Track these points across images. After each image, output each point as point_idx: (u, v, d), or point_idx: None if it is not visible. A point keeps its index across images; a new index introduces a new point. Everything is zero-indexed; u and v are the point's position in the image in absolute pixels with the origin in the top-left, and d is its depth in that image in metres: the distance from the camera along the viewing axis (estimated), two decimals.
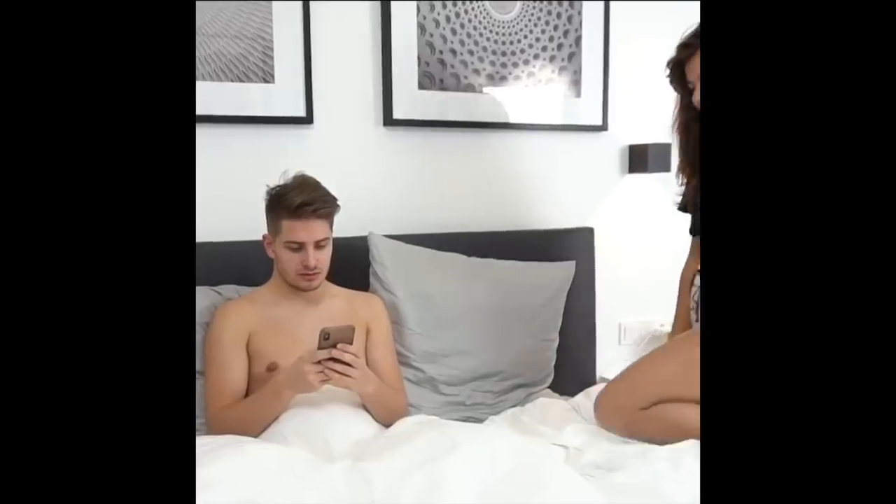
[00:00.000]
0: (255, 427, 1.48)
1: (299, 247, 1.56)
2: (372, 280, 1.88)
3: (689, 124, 1.65)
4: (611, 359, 2.35)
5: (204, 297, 1.70)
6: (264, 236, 1.64)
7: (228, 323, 1.60)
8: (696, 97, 1.58)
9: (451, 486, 1.17)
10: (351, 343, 1.42)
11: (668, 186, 2.48)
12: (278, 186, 1.60)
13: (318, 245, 1.58)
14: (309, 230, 1.55)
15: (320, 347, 1.39)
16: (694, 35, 1.57)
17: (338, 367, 1.41)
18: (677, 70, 1.61)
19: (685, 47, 1.58)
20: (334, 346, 1.40)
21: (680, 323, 1.87)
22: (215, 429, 1.51)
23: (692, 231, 1.78)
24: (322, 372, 1.40)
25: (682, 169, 1.71)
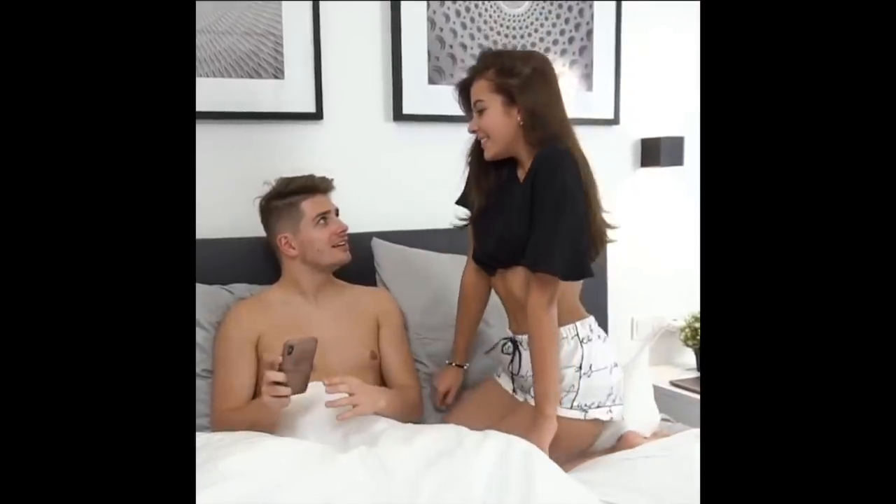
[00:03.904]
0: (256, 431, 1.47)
1: (326, 219, 1.65)
2: (378, 285, 1.89)
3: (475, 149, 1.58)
4: (623, 354, 2.34)
5: (216, 296, 1.70)
6: (280, 238, 1.65)
7: (238, 325, 1.60)
8: (473, 123, 1.52)
9: (470, 478, 1.19)
10: (313, 355, 1.36)
11: (680, 180, 2.47)
12: (273, 190, 1.67)
13: (336, 213, 1.70)
14: (328, 200, 1.69)
15: (283, 361, 1.32)
16: (481, 59, 1.52)
17: (342, 401, 1.38)
18: (464, 93, 1.55)
19: (472, 70, 1.52)
20: (300, 358, 1.33)
21: (459, 352, 1.73)
22: (219, 430, 1.50)
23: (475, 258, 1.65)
24: (278, 396, 1.33)
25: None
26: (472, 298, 1.70)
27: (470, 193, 1.61)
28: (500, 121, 1.48)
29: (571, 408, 1.49)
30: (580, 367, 1.49)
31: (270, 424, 1.43)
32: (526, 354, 1.53)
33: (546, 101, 1.47)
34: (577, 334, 1.51)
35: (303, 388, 1.36)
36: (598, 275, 2.14)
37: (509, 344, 1.61)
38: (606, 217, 1.51)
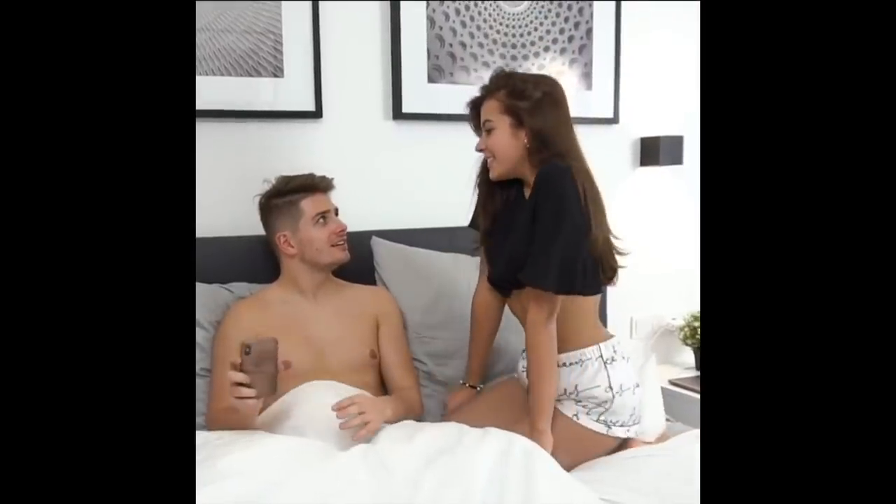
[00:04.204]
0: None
1: (326, 218, 1.65)
2: (378, 284, 1.88)
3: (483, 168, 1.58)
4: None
5: (216, 295, 1.70)
6: (279, 237, 1.65)
7: (237, 324, 1.59)
8: (481, 142, 1.52)
9: (470, 476, 1.19)
10: (275, 356, 1.32)
11: (680, 179, 2.47)
12: (272, 188, 1.67)
13: (336, 213, 1.70)
14: (328, 199, 1.69)
15: (242, 361, 1.31)
16: (493, 79, 1.52)
17: (354, 421, 1.37)
18: (475, 110, 1.55)
19: (483, 88, 1.52)
20: (260, 359, 1.30)
21: (472, 373, 1.73)
22: (214, 429, 1.49)
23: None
24: (241, 397, 1.30)
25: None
26: (484, 320, 1.69)
27: (479, 216, 1.61)
28: (507, 142, 1.47)
29: (598, 420, 1.49)
30: (610, 387, 1.48)
31: (245, 427, 1.39)
32: None
33: (554, 125, 1.46)
34: (601, 355, 1.51)
35: (269, 391, 1.32)
36: None
37: None
38: (616, 243, 1.48)
